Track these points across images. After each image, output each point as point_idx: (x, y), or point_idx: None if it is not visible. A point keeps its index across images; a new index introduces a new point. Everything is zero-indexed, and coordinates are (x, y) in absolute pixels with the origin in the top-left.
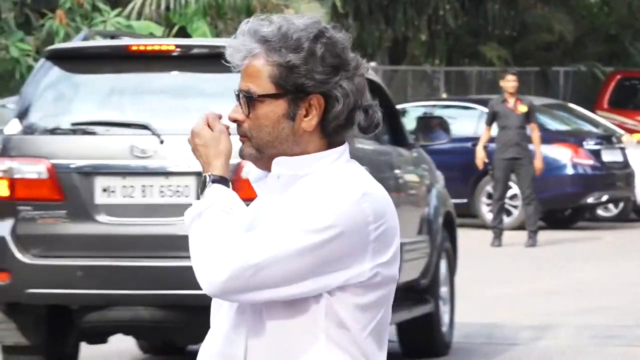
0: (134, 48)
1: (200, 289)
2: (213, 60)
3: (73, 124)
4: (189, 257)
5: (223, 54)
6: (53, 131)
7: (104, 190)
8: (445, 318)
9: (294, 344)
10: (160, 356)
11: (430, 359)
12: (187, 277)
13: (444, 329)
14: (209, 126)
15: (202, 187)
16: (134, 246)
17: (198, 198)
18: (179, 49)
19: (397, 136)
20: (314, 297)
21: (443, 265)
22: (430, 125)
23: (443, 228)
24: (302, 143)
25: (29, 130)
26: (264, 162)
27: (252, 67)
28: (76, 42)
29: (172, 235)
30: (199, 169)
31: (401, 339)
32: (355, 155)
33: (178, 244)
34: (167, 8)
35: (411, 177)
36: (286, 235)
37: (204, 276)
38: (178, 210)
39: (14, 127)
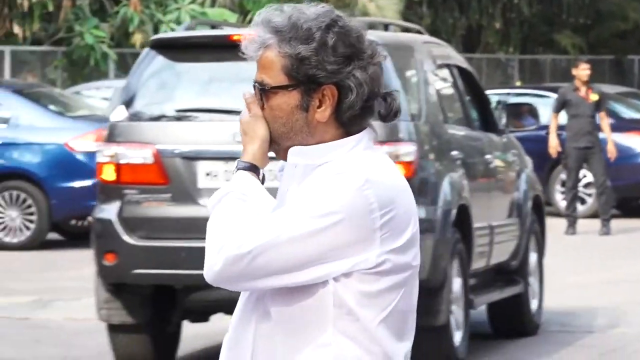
0: (235, 37)
1: None
2: None
3: (177, 111)
4: None
5: None
6: (158, 118)
7: (207, 174)
8: (534, 299)
9: (301, 332)
10: None
11: (519, 339)
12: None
13: (534, 308)
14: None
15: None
16: None
17: None
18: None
19: (488, 122)
20: (322, 284)
21: (532, 247)
22: (519, 111)
23: (532, 211)
24: (317, 134)
25: (135, 117)
26: (282, 153)
27: (265, 59)
28: (179, 32)
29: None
30: None
31: (491, 319)
32: (448, 140)
33: None
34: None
35: (501, 162)
36: (285, 221)
37: (205, 263)
38: (277, 192)
39: (120, 114)
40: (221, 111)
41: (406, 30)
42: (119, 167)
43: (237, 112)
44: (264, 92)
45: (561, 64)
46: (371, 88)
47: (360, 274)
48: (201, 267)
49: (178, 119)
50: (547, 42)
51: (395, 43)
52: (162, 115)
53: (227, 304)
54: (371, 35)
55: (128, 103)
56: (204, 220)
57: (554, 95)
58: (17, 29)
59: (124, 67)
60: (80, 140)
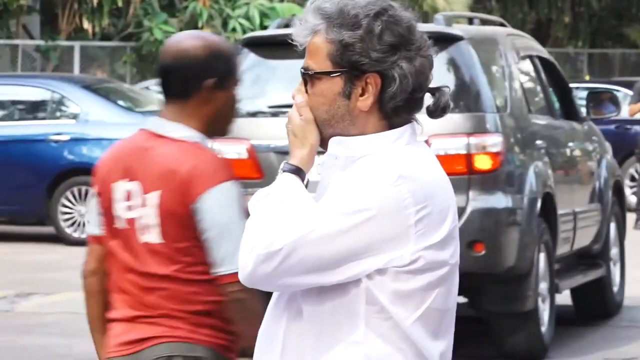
0: None
1: None
2: None
3: (270, 107)
4: None
5: None
6: (252, 114)
7: None
8: (616, 279)
9: (332, 329)
10: None
11: (602, 320)
12: None
13: (615, 289)
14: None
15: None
16: None
17: None
18: None
19: (570, 111)
20: (354, 282)
21: (613, 228)
22: (600, 99)
23: (612, 195)
24: (358, 123)
25: None
26: (325, 142)
27: (313, 45)
28: (270, 30)
29: None
30: None
31: (575, 302)
32: (532, 131)
33: None
34: None
35: (583, 149)
36: (317, 218)
37: (239, 265)
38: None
39: None
40: None
41: (489, 22)
42: None
43: None
44: (308, 77)
45: (630, 58)
46: (416, 81)
47: (393, 272)
48: None
49: (271, 115)
50: (617, 36)
51: (480, 36)
52: (255, 112)
53: None
54: (457, 29)
55: None
56: None
57: (623, 90)
58: (86, 25)
59: None
60: None
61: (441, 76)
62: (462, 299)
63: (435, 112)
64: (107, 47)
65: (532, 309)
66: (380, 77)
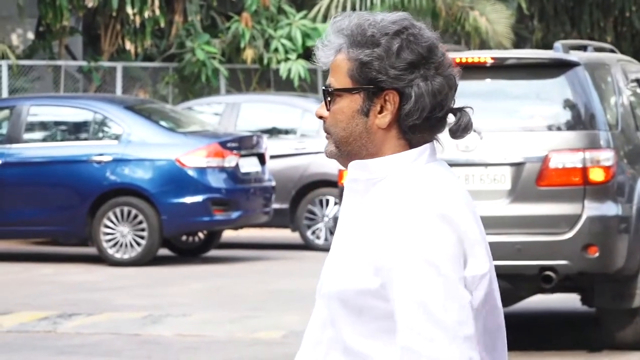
0: (458, 60)
1: (512, 259)
2: (521, 69)
3: None
4: (502, 234)
5: (530, 64)
6: None
7: None
8: None
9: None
10: None
11: None
12: (501, 249)
13: None
14: None
15: None
16: None
17: None
18: (493, 60)
19: None
20: None
21: None
22: None
23: None
24: (376, 142)
25: None
26: (343, 159)
27: (335, 62)
28: None
29: (490, 216)
30: (515, 159)
31: None
32: (638, 146)
33: (494, 222)
34: (353, 9)
35: None
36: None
37: None
38: (496, 194)
39: None
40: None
41: (601, 49)
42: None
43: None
44: (328, 94)
45: None
46: (434, 100)
47: None
48: None
49: None
50: None
51: (594, 62)
52: None
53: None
54: (574, 55)
55: None
56: None
57: None
58: (128, 45)
59: (235, 83)
60: (191, 156)
61: (560, 97)
62: (576, 296)
63: (457, 132)
64: (149, 68)
65: (639, 306)
66: (399, 95)
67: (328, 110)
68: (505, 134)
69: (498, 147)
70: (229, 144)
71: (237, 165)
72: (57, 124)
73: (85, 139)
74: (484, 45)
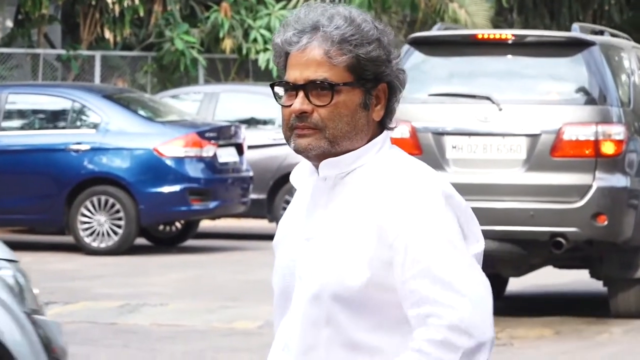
0: (479, 36)
1: (526, 225)
2: (540, 47)
3: (429, 95)
4: (517, 201)
5: (549, 42)
6: (414, 100)
7: (453, 147)
8: None
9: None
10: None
11: None
12: (515, 215)
13: None
14: None
15: None
16: (476, 191)
17: None
18: (513, 38)
19: None
20: None
21: None
22: None
23: None
24: (370, 134)
25: None
26: (325, 156)
27: (321, 57)
28: (433, 31)
29: (505, 184)
30: (531, 131)
31: None
32: None
33: (509, 190)
34: (332, 1)
35: None
36: (451, 266)
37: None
38: (512, 163)
39: None
40: (467, 96)
41: (616, 36)
42: None
43: (481, 97)
44: (329, 88)
45: None
46: (402, 89)
47: None
48: None
49: (430, 102)
50: None
51: (609, 44)
52: (417, 99)
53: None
54: (590, 36)
55: None
56: (451, 184)
57: None
58: (107, 34)
59: (213, 72)
60: (169, 146)
61: (576, 74)
62: (584, 270)
63: None
64: (128, 57)
65: None
66: (387, 85)
67: (327, 103)
68: (523, 106)
69: (515, 119)
70: (207, 134)
71: (215, 155)
72: (35, 112)
73: (63, 128)
74: None
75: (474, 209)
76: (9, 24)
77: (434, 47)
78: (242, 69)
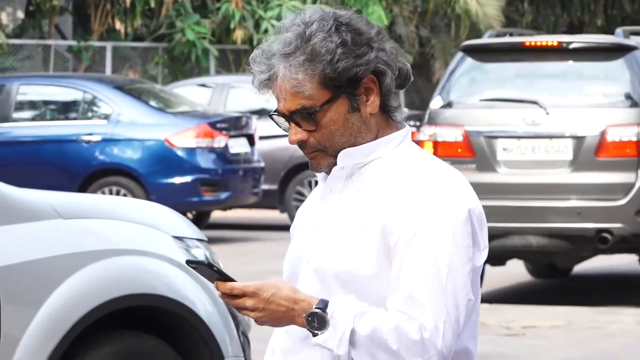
0: (527, 43)
1: (573, 222)
2: (585, 52)
3: (480, 100)
4: (564, 199)
5: (593, 48)
6: (466, 105)
7: (504, 149)
8: None
9: None
10: (543, 279)
11: None
12: (563, 213)
13: None
14: (233, 295)
15: (320, 325)
16: (526, 190)
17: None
18: (561, 44)
19: None
20: None
21: None
22: None
23: None
24: (372, 128)
25: (448, 105)
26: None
27: (290, 84)
28: (484, 39)
29: (553, 183)
30: (576, 133)
31: None
32: None
33: (557, 189)
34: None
35: None
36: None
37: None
38: (559, 164)
39: (437, 103)
40: (516, 100)
41: None
42: (436, 144)
43: (529, 102)
44: (314, 114)
45: None
46: (395, 63)
47: None
48: (498, 220)
49: (482, 106)
50: None
51: None
52: (469, 104)
53: (518, 250)
54: (633, 40)
55: (443, 94)
56: (501, 184)
57: None
58: (118, 25)
59: (224, 63)
60: (180, 137)
61: (619, 78)
62: (634, 257)
63: (404, 83)
64: (139, 48)
65: None
66: (375, 75)
67: (314, 129)
68: (569, 110)
69: (562, 122)
70: (218, 125)
71: (226, 145)
72: (47, 103)
73: (75, 119)
74: (473, 27)
75: (525, 208)
76: (20, 15)
77: (485, 54)
78: (249, 62)
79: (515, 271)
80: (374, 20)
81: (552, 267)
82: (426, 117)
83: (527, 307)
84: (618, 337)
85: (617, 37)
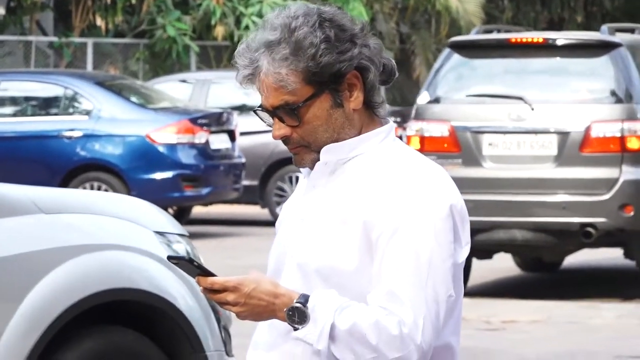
0: (514, 40)
1: (558, 216)
2: (570, 49)
3: (467, 96)
4: (549, 194)
5: (578, 44)
6: (453, 101)
7: (490, 144)
8: None
9: None
10: (529, 273)
11: None
12: (548, 207)
13: None
14: (214, 290)
15: (300, 319)
16: (511, 185)
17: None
18: (547, 41)
19: None
20: None
21: None
22: None
23: None
24: (355, 124)
25: (435, 100)
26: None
27: (274, 79)
28: (471, 36)
29: (538, 178)
30: (561, 128)
31: None
32: None
33: (542, 184)
34: None
35: None
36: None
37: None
38: (544, 159)
39: (424, 98)
40: (502, 96)
41: None
42: (423, 139)
43: (514, 97)
44: (297, 110)
45: None
46: (379, 59)
47: None
48: (484, 215)
49: (468, 102)
50: None
51: (637, 44)
52: (455, 99)
53: (504, 244)
54: (618, 37)
55: (430, 90)
56: (487, 179)
57: None
58: (99, 21)
59: (205, 59)
60: (161, 132)
61: (604, 74)
62: (620, 250)
63: (389, 78)
64: (120, 44)
65: None
66: (358, 71)
67: (297, 124)
68: (554, 105)
69: (547, 117)
70: (199, 121)
71: (207, 141)
72: (28, 99)
73: (56, 114)
74: (454, 24)
75: (510, 202)
76: (1, 11)
77: (471, 50)
78: (234, 56)
79: (502, 265)
80: (360, 17)
81: (539, 261)
82: (413, 112)
83: (509, 301)
84: (598, 332)
85: (603, 34)
